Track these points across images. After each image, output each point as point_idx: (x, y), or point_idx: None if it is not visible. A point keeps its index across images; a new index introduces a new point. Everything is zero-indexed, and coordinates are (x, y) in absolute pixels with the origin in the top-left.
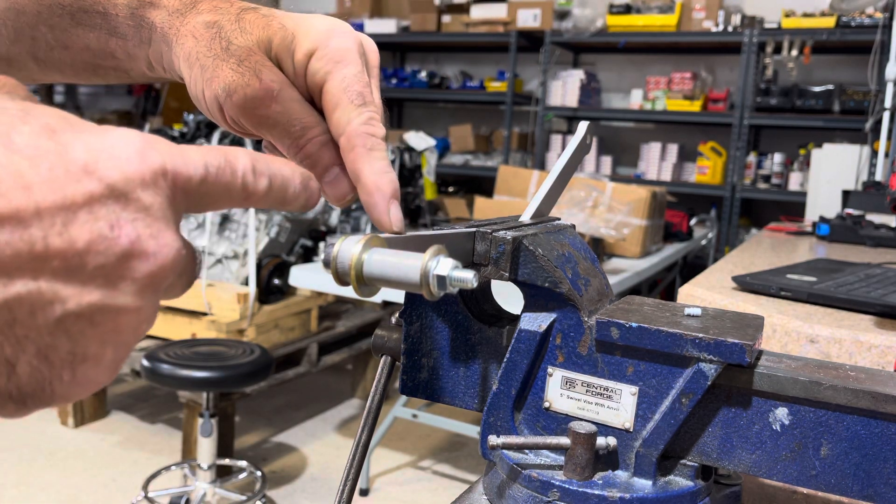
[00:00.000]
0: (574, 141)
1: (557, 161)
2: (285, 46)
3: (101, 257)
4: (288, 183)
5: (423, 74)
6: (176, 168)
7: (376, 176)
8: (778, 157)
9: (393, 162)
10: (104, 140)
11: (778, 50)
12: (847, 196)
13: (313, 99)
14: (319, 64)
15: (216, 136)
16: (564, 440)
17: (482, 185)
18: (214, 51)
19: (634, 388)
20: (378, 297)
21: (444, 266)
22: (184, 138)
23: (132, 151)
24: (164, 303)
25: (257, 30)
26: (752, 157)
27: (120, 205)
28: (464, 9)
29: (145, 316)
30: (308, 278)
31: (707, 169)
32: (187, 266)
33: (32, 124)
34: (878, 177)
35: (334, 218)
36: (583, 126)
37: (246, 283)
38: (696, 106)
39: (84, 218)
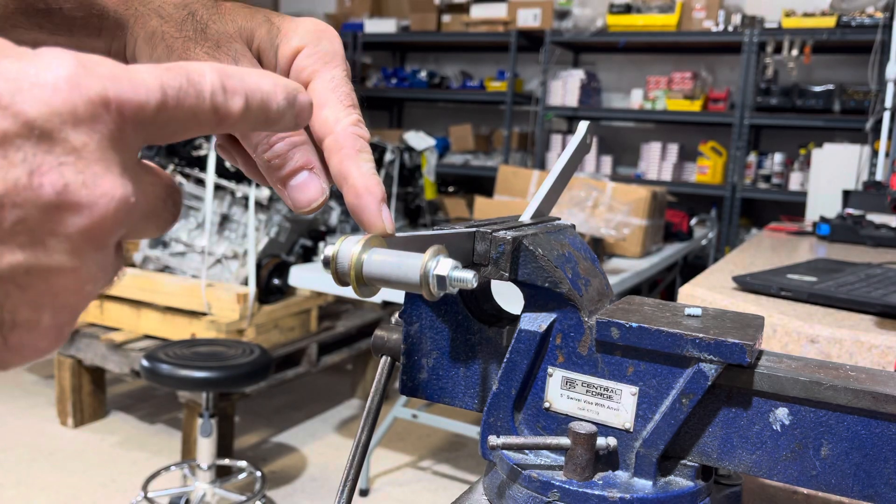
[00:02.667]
0: (574, 141)
1: (557, 161)
2: (270, 40)
3: (19, 211)
4: (269, 99)
5: (423, 74)
6: (121, 95)
7: (366, 178)
8: (778, 157)
9: (392, 162)
10: (27, 66)
11: (778, 50)
12: (847, 196)
13: None
14: (308, 62)
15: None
16: (564, 440)
17: (482, 184)
18: (186, 32)
19: (634, 389)
20: (378, 298)
21: (444, 266)
22: None
23: (61, 78)
24: (163, 303)
25: (239, 18)
26: (752, 157)
27: (42, 147)
28: (464, 8)
29: (88, 275)
30: (308, 278)
31: (707, 169)
32: (155, 208)
33: None
34: (879, 176)
35: (334, 218)
36: (583, 126)
37: (246, 283)
38: (696, 106)
39: None
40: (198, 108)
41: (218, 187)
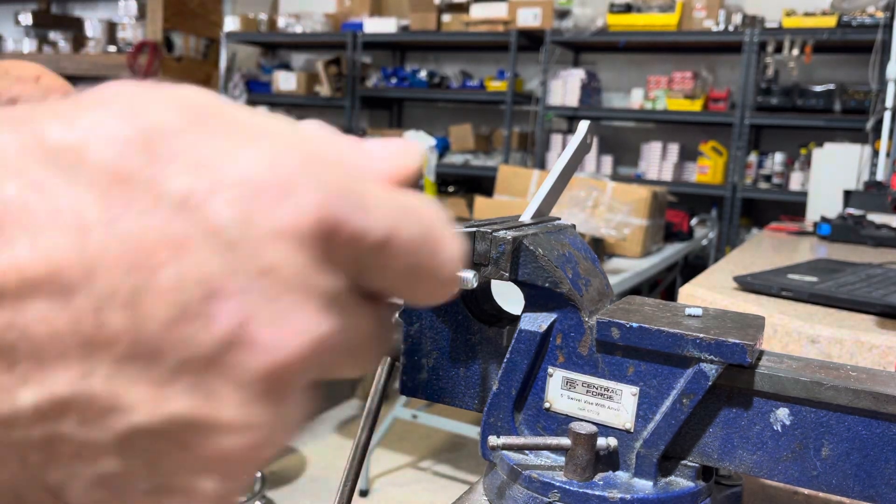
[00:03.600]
0: (574, 140)
1: (558, 161)
2: None
3: (187, 347)
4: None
5: (423, 74)
6: (343, 217)
7: None
8: (779, 157)
9: None
10: (232, 157)
11: (779, 49)
12: (848, 196)
13: None
14: None
15: None
16: (565, 441)
17: (482, 184)
18: None
19: (635, 389)
20: None
21: None
22: None
23: (273, 180)
24: None
25: None
26: (752, 157)
27: (227, 261)
28: (464, 8)
29: (264, 435)
30: None
31: (708, 168)
32: (359, 345)
33: (132, 126)
34: (880, 176)
35: None
36: (583, 125)
37: None
38: (696, 105)
39: (166, 284)
40: (427, 269)
41: None
